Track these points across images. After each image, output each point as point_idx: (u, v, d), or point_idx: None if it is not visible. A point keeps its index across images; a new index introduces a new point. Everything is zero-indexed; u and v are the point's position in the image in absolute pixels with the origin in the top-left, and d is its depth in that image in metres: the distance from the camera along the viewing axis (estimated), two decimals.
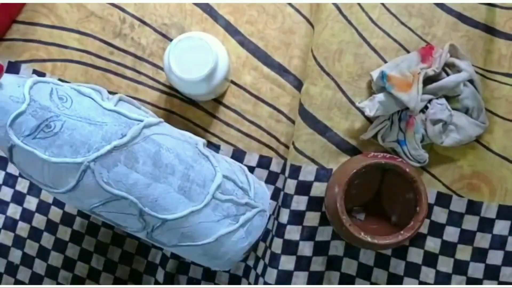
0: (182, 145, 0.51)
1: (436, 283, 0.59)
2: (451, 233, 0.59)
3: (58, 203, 0.63)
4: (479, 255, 0.58)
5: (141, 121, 0.48)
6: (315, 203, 0.59)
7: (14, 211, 0.64)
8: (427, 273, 0.59)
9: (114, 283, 0.63)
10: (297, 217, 0.59)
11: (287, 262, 0.59)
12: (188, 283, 0.63)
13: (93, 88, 0.49)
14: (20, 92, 0.43)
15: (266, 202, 0.60)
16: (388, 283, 0.59)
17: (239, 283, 0.62)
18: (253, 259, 0.62)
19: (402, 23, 0.59)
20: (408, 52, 0.59)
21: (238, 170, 0.57)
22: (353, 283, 0.60)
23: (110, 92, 0.63)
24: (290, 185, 0.59)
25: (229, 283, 0.62)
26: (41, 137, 0.43)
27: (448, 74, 0.57)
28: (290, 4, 0.62)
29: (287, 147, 0.61)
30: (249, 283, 0.61)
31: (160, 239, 0.52)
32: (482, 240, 0.58)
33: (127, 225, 0.51)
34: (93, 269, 0.63)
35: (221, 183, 0.53)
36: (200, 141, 0.54)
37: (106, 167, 0.46)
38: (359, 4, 0.59)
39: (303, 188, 0.59)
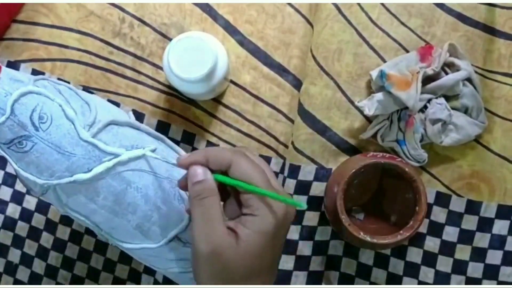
0: (157, 184, 0.49)
1: (435, 282, 0.59)
2: (451, 233, 0.59)
3: None
4: (479, 254, 0.58)
5: (118, 155, 0.47)
6: (314, 203, 0.59)
7: (13, 210, 0.64)
8: (427, 272, 0.59)
9: (113, 283, 0.63)
10: (296, 217, 0.59)
11: (286, 262, 0.59)
12: None
13: (87, 103, 0.48)
14: (4, 103, 0.43)
15: None
16: (387, 283, 0.59)
17: None
18: None
19: (402, 23, 0.59)
20: (407, 51, 0.59)
21: None
22: (352, 283, 0.60)
23: (109, 92, 0.63)
24: (290, 185, 0.59)
25: None
26: (14, 150, 0.44)
27: (447, 74, 0.57)
28: (289, 4, 0.62)
29: (286, 146, 0.61)
30: None
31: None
32: (482, 240, 0.58)
33: (94, 230, 0.51)
34: (92, 268, 0.63)
35: (186, 230, 0.51)
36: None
37: (66, 193, 0.47)
38: (358, 4, 0.59)
39: (303, 187, 0.59)
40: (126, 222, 0.48)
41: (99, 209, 0.48)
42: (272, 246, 0.40)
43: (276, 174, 0.61)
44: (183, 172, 0.45)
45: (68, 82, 0.64)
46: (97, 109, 0.48)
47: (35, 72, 0.64)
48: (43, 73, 0.64)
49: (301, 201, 0.59)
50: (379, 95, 0.56)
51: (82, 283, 0.63)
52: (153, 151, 0.49)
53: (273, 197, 0.40)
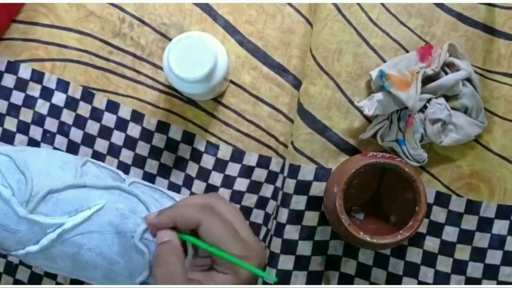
0: (111, 241, 0.50)
1: (435, 282, 0.59)
2: (450, 233, 0.59)
3: None
4: (478, 254, 0.58)
5: (61, 224, 0.48)
6: (314, 203, 0.59)
7: None
8: (426, 272, 0.59)
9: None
10: (296, 217, 0.59)
11: (286, 262, 0.59)
12: None
13: (23, 173, 0.49)
14: None
15: None
16: (387, 283, 0.59)
17: None
18: None
19: (402, 23, 0.59)
20: (407, 51, 0.59)
21: None
22: (352, 283, 0.60)
23: (109, 92, 0.63)
24: (289, 185, 0.59)
25: None
26: None
27: (447, 74, 0.57)
28: (289, 3, 0.62)
29: (286, 146, 0.61)
30: None
31: None
32: (481, 240, 0.58)
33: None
34: None
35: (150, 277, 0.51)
36: (138, 233, 0.50)
37: (27, 260, 0.50)
38: (358, 3, 0.59)
39: (302, 187, 0.59)
40: (93, 275, 0.50)
41: (63, 268, 0.50)
42: None
43: (276, 174, 0.61)
44: (132, 226, 0.48)
45: (68, 83, 0.64)
46: (34, 179, 0.49)
47: (35, 72, 0.64)
48: (43, 73, 0.64)
49: (301, 201, 0.59)
50: (379, 95, 0.56)
51: (82, 284, 0.63)
52: (100, 209, 0.49)
53: (240, 265, 0.40)
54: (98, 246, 0.49)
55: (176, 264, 0.42)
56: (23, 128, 0.64)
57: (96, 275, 0.50)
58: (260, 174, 0.62)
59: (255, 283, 0.43)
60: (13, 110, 0.64)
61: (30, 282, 0.64)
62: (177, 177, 0.62)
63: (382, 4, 0.59)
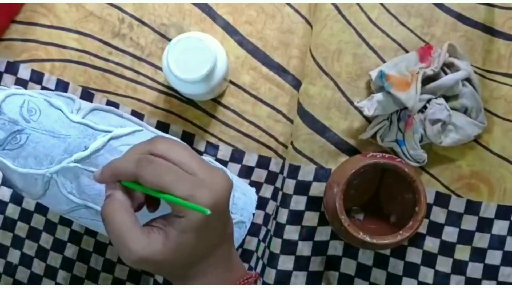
0: None
1: (435, 283, 0.59)
2: (450, 233, 0.59)
3: None
4: (478, 255, 0.58)
5: (109, 132, 0.48)
6: (314, 203, 0.59)
7: (12, 211, 0.64)
8: (426, 273, 0.59)
9: (113, 283, 0.63)
10: (296, 217, 0.59)
11: (286, 262, 0.59)
12: None
13: (69, 97, 0.50)
14: None
15: (248, 213, 0.59)
16: (387, 283, 0.59)
17: None
18: (252, 259, 0.62)
19: (401, 23, 0.59)
20: (407, 52, 0.59)
21: None
22: (352, 283, 0.60)
23: (108, 93, 0.63)
24: (289, 185, 0.59)
25: None
26: (9, 149, 0.45)
27: (446, 74, 0.57)
28: (289, 4, 0.61)
29: (286, 147, 0.61)
30: None
31: None
32: (481, 240, 0.58)
33: (100, 231, 0.51)
34: (92, 269, 0.63)
35: None
36: None
37: (69, 178, 0.48)
38: (358, 4, 0.59)
39: (302, 188, 0.59)
40: None
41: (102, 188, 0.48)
42: (207, 234, 0.40)
43: (276, 174, 0.61)
44: None
45: (68, 83, 0.64)
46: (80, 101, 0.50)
47: (34, 73, 0.64)
48: (42, 74, 0.64)
49: (301, 201, 0.59)
50: (379, 96, 0.56)
51: (82, 284, 0.63)
52: (140, 131, 0.51)
53: (182, 204, 0.38)
54: None
55: (120, 216, 0.40)
56: None
57: None
58: (260, 175, 0.62)
59: (220, 212, 0.41)
60: None
61: (29, 282, 0.64)
62: None
63: (382, 5, 0.59)
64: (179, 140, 0.50)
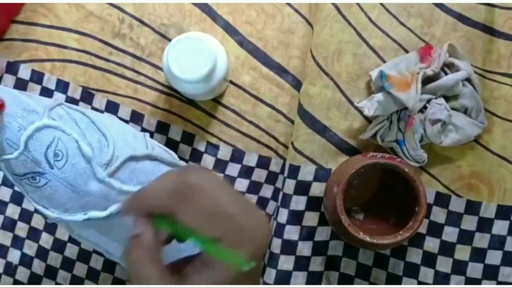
0: None
1: (435, 283, 0.59)
2: (450, 233, 0.59)
3: None
4: (478, 255, 0.58)
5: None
6: (314, 203, 0.59)
7: (13, 211, 0.64)
8: (426, 273, 0.59)
9: (113, 283, 0.63)
10: (296, 217, 0.59)
11: (286, 262, 0.59)
12: None
13: (105, 137, 0.45)
14: (17, 138, 0.41)
15: None
16: (387, 283, 0.59)
17: None
18: None
19: (401, 23, 0.59)
20: (407, 52, 0.59)
21: None
22: (352, 283, 0.60)
23: (108, 93, 0.63)
24: (289, 185, 0.59)
25: None
26: (26, 183, 0.43)
27: (447, 74, 0.57)
28: (289, 4, 0.62)
29: (286, 147, 0.61)
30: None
31: None
32: (481, 240, 0.58)
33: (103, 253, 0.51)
34: (92, 269, 0.63)
35: None
36: None
37: (78, 226, 0.46)
38: (358, 4, 0.59)
39: (302, 188, 0.59)
40: None
41: (111, 242, 0.47)
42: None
43: (276, 174, 0.61)
44: None
45: (68, 83, 0.64)
46: (115, 143, 0.45)
47: (35, 73, 0.64)
48: (42, 74, 0.64)
49: (301, 201, 0.59)
50: (379, 96, 0.56)
51: (82, 284, 0.63)
52: None
53: (216, 253, 0.33)
54: None
55: (148, 269, 0.35)
56: None
57: None
58: (260, 175, 0.62)
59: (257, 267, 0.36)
60: None
61: (29, 283, 0.64)
62: None
63: (382, 5, 0.59)
64: (212, 171, 0.44)
